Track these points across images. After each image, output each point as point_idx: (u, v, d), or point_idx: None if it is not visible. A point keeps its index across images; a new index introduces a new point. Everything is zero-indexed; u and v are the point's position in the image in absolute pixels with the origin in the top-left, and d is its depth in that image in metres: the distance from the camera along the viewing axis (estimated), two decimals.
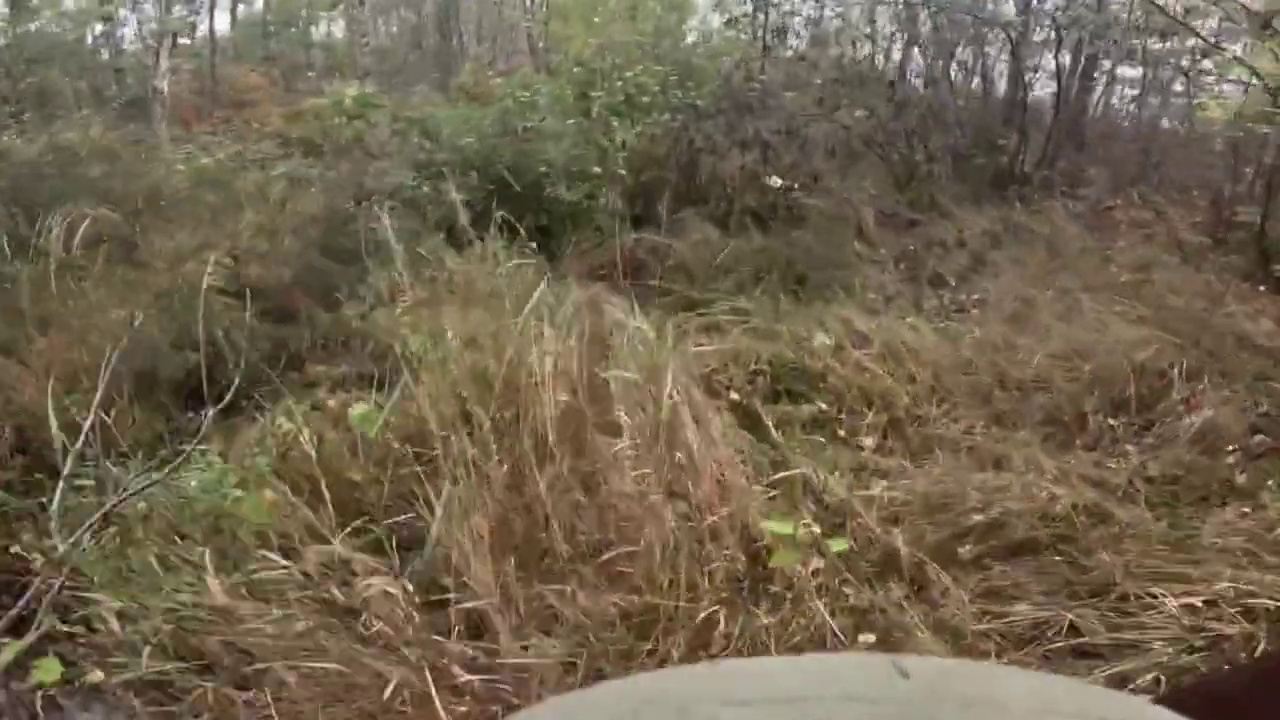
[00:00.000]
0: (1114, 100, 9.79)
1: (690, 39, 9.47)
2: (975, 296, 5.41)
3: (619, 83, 6.29)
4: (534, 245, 4.59)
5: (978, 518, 2.77)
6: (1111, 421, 3.61)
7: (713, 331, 4.30)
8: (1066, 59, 7.56)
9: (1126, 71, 8.98)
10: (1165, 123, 9.15)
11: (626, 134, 6.04)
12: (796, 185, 6.66)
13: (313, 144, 7.13)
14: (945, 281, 5.78)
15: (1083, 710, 0.33)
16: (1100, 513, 2.82)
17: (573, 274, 4.64)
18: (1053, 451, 3.32)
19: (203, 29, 12.51)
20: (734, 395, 3.63)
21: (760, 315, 4.45)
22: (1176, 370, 3.73)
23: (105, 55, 10.40)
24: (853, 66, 7.18)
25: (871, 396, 3.76)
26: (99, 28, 9.97)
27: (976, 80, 8.65)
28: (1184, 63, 7.76)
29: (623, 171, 6.03)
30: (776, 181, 6.49)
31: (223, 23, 13.87)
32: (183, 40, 11.19)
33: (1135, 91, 9.14)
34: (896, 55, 9.12)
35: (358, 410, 2.60)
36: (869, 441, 3.52)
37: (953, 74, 8.09)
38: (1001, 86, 8.55)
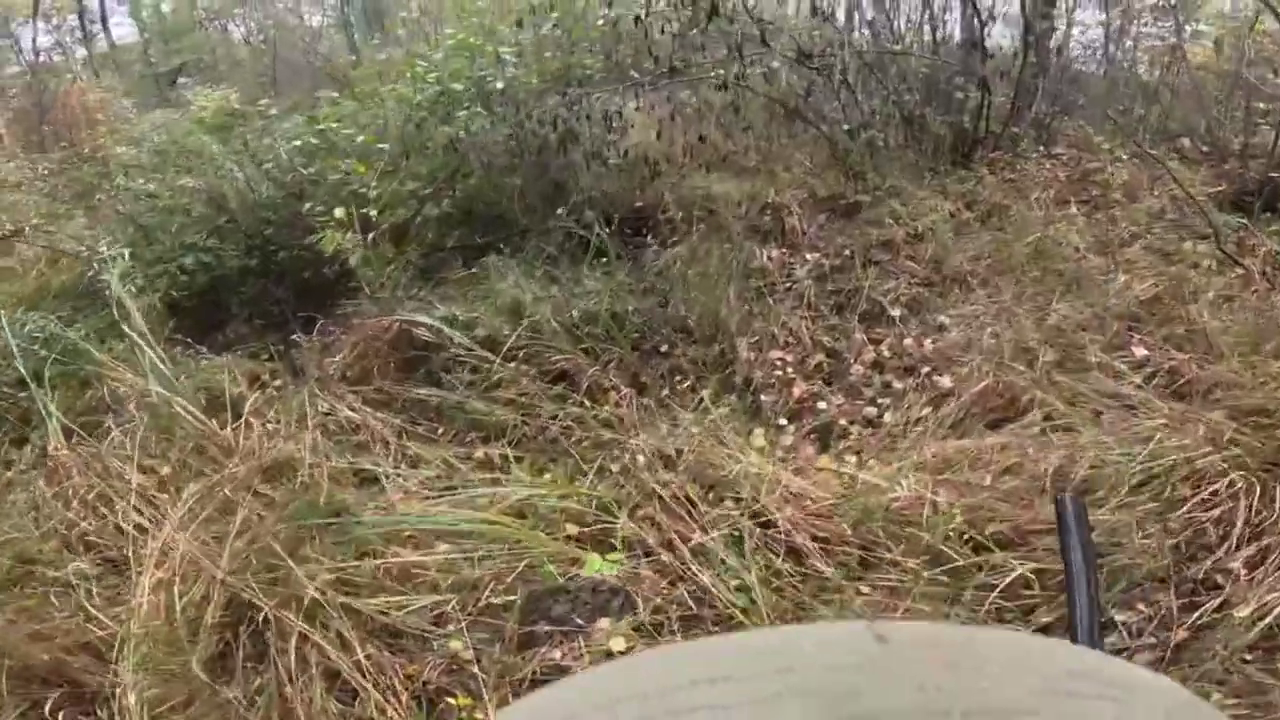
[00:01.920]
0: (1075, 42, 8.35)
1: None
2: (928, 365, 3.87)
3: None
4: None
5: None
6: None
7: None
8: None
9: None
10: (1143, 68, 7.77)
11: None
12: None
13: None
14: (886, 316, 4.30)
15: (1063, 668, 0.33)
16: None
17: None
18: None
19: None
20: None
21: None
22: None
23: None
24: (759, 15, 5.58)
25: None
26: None
27: (925, 27, 7.11)
28: None
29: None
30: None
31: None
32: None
33: (1100, 32, 7.72)
34: None
35: None
36: None
37: (892, 18, 6.57)
38: (955, 32, 7.01)
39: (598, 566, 2.68)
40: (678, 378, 4.05)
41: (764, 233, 5.47)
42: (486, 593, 2.64)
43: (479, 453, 3.49)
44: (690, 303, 4.38)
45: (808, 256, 5.21)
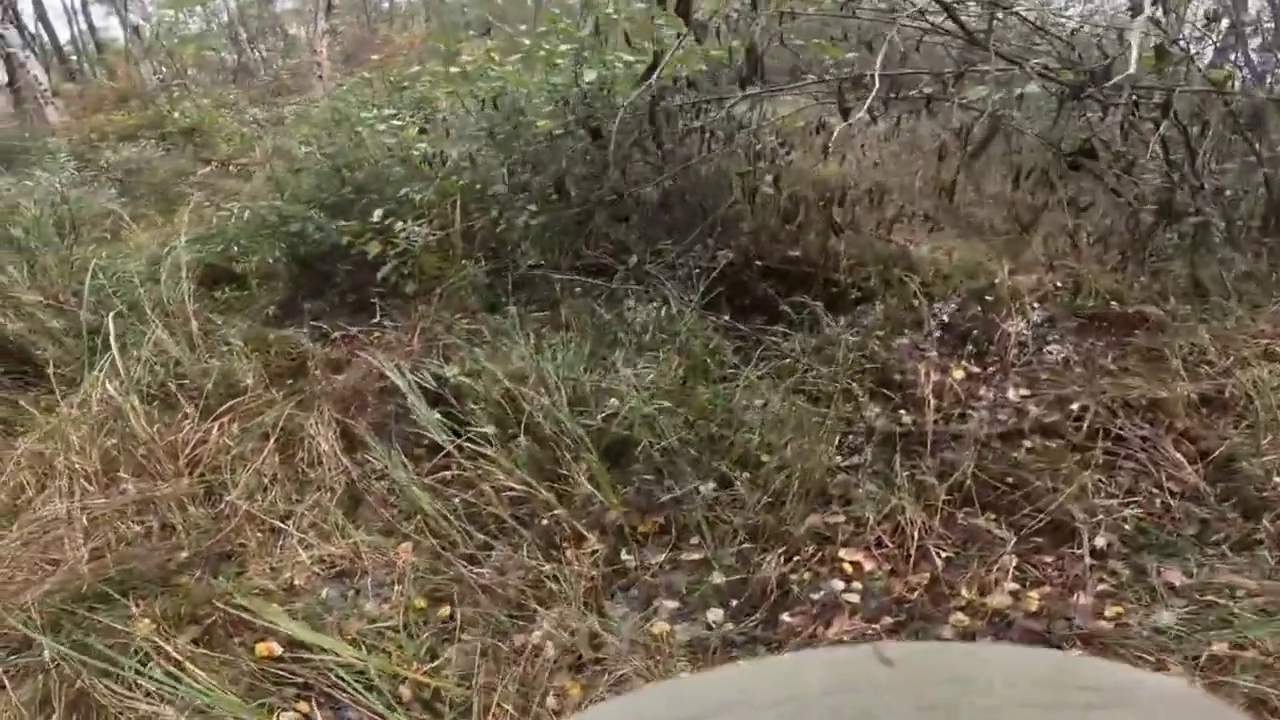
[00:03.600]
0: None
1: None
2: None
3: None
4: None
5: None
6: None
7: None
8: None
9: None
10: None
11: None
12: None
13: None
14: (1071, 545, 2.54)
15: (1070, 681, 0.32)
16: None
17: None
18: None
19: None
20: None
21: None
22: None
23: None
24: None
25: None
26: None
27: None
28: None
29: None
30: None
31: None
32: None
33: None
34: None
35: None
36: None
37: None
38: None
39: None
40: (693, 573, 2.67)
41: (961, 333, 3.70)
42: None
43: None
44: (764, 427, 2.92)
45: (1008, 392, 3.38)
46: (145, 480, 2.97)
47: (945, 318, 3.82)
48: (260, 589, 2.65)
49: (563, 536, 2.68)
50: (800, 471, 2.84)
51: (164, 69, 8.84)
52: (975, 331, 3.72)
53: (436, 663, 2.32)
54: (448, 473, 2.87)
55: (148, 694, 2.11)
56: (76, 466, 2.96)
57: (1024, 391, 3.41)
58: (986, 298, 3.94)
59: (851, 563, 2.63)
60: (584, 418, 2.89)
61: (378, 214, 3.40)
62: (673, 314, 3.25)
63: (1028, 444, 3.10)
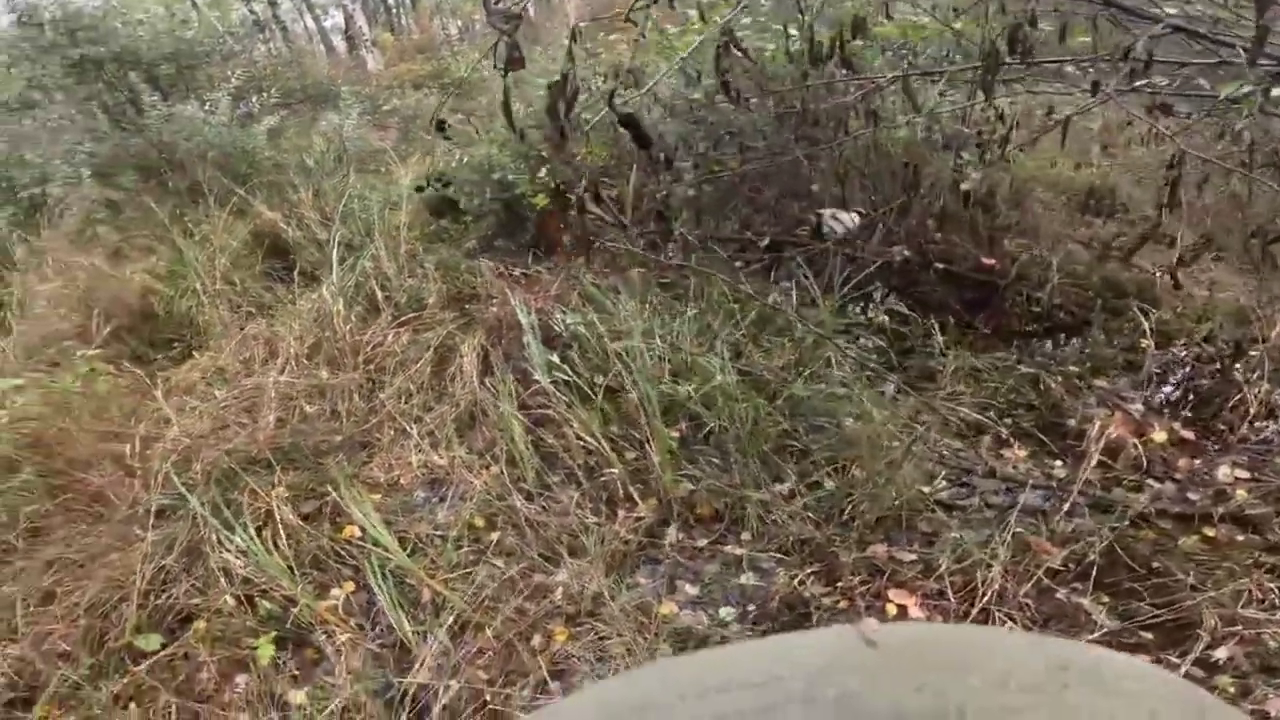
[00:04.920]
0: None
1: None
2: None
3: None
4: None
5: None
6: None
7: None
8: None
9: None
10: None
11: None
12: None
13: None
14: None
15: (1055, 664, 0.32)
16: None
17: None
18: None
19: None
20: None
21: None
22: None
23: None
24: None
25: None
26: None
27: None
28: None
29: None
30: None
31: None
32: None
33: None
34: None
35: None
36: None
37: None
38: None
39: None
40: (727, 567, 2.53)
41: (1187, 389, 2.92)
42: None
43: None
44: (866, 441, 2.65)
45: (1219, 470, 2.63)
46: (332, 370, 3.57)
47: (1172, 367, 3.08)
48: (372, 480, 3.08)
49: (618, 497, 2.71)
50: (883, 496, 2.53)
51: (450, 24, 9.96)
52: (1207, 390, 2.95)
53: (455, 575, 2.51)
54: (544, 411, 3.03)
55: (239, 551, 2.58)
56: (291, 350, 3.65)
57: (1241, 473, 2.65)
58: (1252, 353, 3.09)
59: (899, 605, 2.31)
60: (677, 387, 2.87)
61: (544, 171, 3.64)
62: (809, 301, 3.06)
63: (1209, 532, 2.42)
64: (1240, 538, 2.36)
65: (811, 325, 2.98)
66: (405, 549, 2.64)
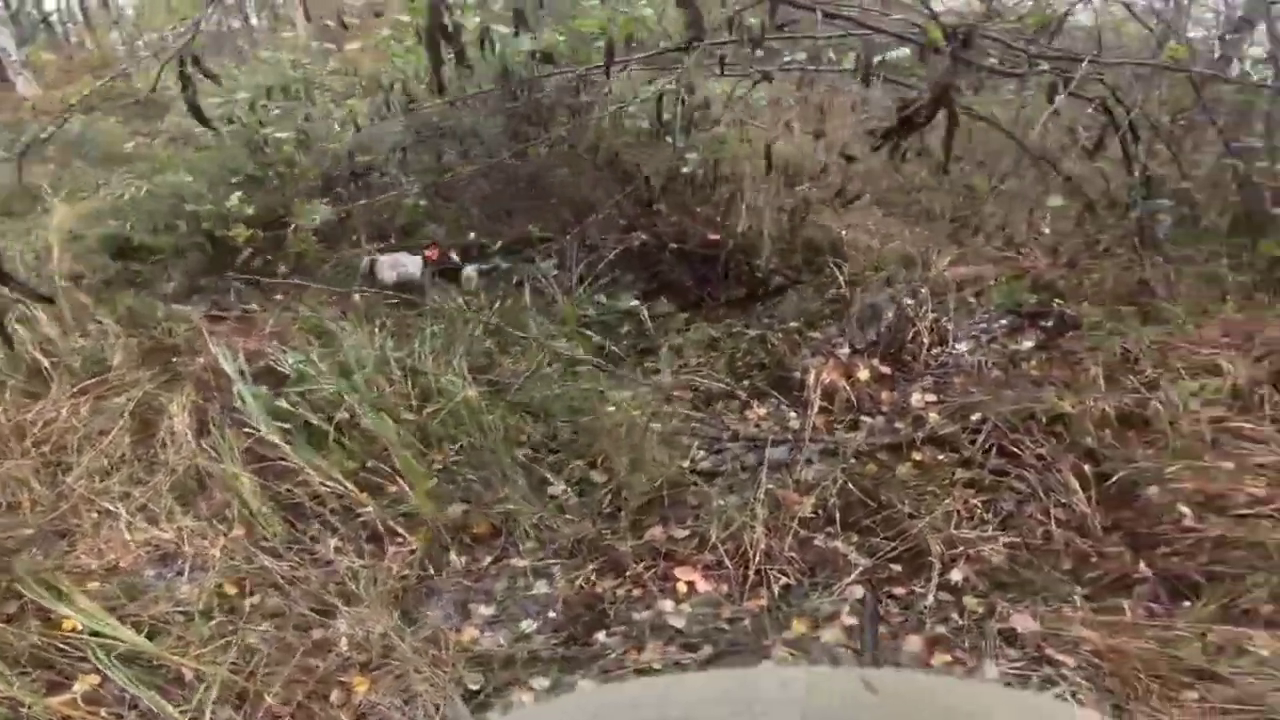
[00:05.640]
0: None
1: None
2: None
3: None
4: None
5: None
6: None
7: None
8: None
9: None
10: None
11: None
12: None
13: None
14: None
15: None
16: None
17: None
18: None
19: None
20: None
21: None
22: None
23: None
24: None
25: None
26: None
27: None
28: None
29: None
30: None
31: None
32: None
33: None
34: None
35: None
36: None
37: None
38: None
39: None
40: (515, 580, 2.51)
41: (880, 329, 3.41)
42: None
43: None
44: (625, 429, 2.72)
45: (913, 398, 3.11)
46: None
47: (865, 311, 3.54)
48: (82, 569, 2.60)
49: (380, 534, 2.54)
50: (649, 479, 2.64)
51: (139, 37, 8.72)
52: (894, 328, 3.44)
53: (210, 649, 2.22)
54: (281, 462, 2.74)
55: None
56: None
57: (930, 397, 3.14)
58: (920, 291, 3.65)
59: (687, 582, 2.45)
60: (415, 412, 2.74)
61: (234, 198, 3.25)
62: (548, 302, 3.05)
63: (916, 457, 2.85)
64: (941, 457, 2.80)
65: (550, 324, 2.99)
66: (142, 631, 2.29)
